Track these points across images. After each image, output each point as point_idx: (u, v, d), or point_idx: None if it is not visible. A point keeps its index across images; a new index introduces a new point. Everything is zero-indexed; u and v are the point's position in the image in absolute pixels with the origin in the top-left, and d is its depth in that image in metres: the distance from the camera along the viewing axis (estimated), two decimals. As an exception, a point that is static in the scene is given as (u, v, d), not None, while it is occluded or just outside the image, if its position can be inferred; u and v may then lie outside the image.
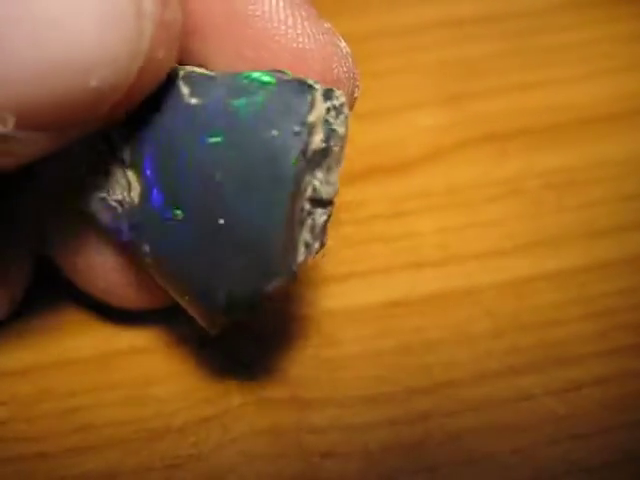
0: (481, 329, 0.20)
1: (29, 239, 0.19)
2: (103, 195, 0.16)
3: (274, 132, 0.14)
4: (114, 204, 0.16)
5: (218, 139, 0.15)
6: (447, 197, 0.23)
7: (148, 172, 0.15)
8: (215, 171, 0.15)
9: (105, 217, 0.16)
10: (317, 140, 0.14)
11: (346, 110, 0.15)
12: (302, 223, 0.15)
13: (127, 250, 0.17)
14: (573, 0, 0.27)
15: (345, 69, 0.16)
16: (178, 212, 0.15)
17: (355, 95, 0.17)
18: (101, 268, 0.18)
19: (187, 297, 0.16)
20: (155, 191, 0.15)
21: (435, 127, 0.24)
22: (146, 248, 0.16)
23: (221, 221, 0.15)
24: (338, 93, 0.15)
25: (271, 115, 0.14)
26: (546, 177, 0.23)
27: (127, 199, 0.16)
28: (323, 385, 0.19)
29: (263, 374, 0.19)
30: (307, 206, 0.15)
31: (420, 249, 0.22)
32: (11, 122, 0.12)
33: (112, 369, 0.20)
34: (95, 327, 0.20)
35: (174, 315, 0.20)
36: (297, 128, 0.14)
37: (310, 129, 0.14)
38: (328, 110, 0.14)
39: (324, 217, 0.15)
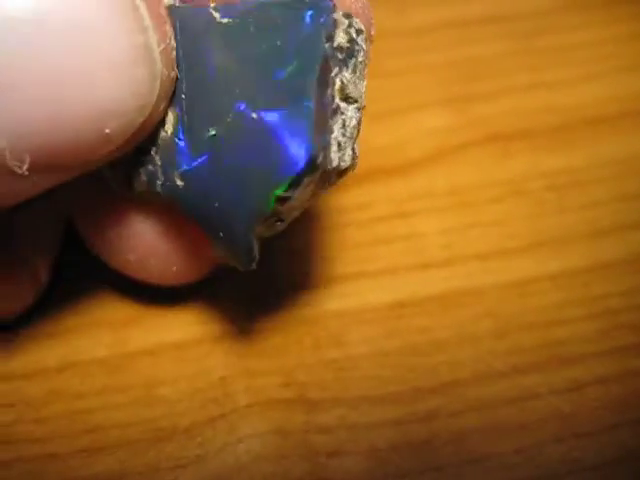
0: (485, 329, 0.20)
1: (58, 214, 0.20)
2: None
3: (306, 18, 0.15)
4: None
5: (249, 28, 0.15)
6: (450, 198, 0.23)
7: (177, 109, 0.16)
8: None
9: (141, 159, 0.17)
10: (341, 37, 0.15)
11: (365, 34, 0.16)
12: (334, 113, 0.15)
13: (161, 197, 0.17)
14: (575, 1, 0.27)
15: (360, 4, 0.17)
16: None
17: (372, 32, 0.17)
18: (135, 238, 0.18)
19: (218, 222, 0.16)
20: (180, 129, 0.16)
21: (438, 128, 0.24)
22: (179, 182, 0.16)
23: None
24: (357, 19, 0.16)
25: (299, 5, 0.15)
26: (549, 178, 0.23)
27: (162, 133, 0.16)
28: (330, 385, 0.20)
29: (269, 375, 0.20)
30: (337, 99, 0.15)
31: (424, 250, 0.22)
32: (26, 165, 0.13)
33: (120, 371, 0.20)
34: (103, 329, 0.21)
35: (181, 317, 0.21)
36: (323, 19, 0.15)
37: (335, 23, 0.15)
38: (349, 25, 0.16)
39: (354, 120, 0.16)
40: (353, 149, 0.16)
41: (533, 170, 0.24)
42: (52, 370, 0.20)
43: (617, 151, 0.24)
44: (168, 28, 0.14)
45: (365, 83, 0.16)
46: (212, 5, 0.16)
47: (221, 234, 0.16)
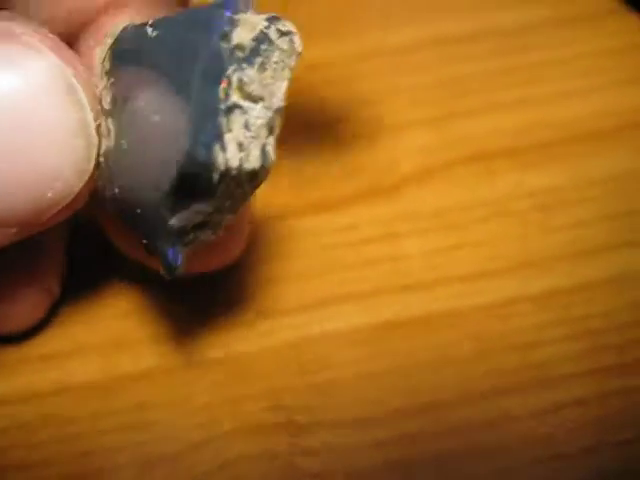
0: (466, 351, 0.21)
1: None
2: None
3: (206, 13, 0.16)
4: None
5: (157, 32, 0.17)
6: (435, 219, 0.23)
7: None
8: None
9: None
10: (245, 35, 0.16)
11: (296, 39, 0.16)
12: (229, 112, 0.15)
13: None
14: (556, 17, 0.27)
15: None
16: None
17: None
18: None
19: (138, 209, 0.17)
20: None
21: (422, 148, 0.25)
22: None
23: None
24: (289, 24, 0.16)
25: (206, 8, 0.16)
26: (534, 197, 0.24)
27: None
28: (315, 409, 0.20)
29: (254, 399, 0.20)
30: (235, 97, 0.16)
31: (409, 271, 0.22)
32: None
33: (111, 395, 0.20)
34: (94, 353, 0.21)
35: (169, 342, 0.21)
36: (222, 21, 0.16)
37: (233, 22, 0.16)
38: (268, 27, 0.16)
39: (261, 120, 0.16)
40: (264, 151, 0.16)
41: (518, 189, 0.24)
42: (44, 394, 0.20)
43: (604, 169, 0.24)
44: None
45: (285, 84, 0.16)
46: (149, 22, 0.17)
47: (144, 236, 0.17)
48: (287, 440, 0.20)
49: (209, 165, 0.15)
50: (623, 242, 0.23)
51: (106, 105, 0.17)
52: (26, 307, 0.20)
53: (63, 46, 0.16)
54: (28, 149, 0.15)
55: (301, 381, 0.20)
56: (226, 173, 0.15)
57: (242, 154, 0.16)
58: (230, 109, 0.15)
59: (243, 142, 0.16)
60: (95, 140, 0.16)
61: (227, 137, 0.15)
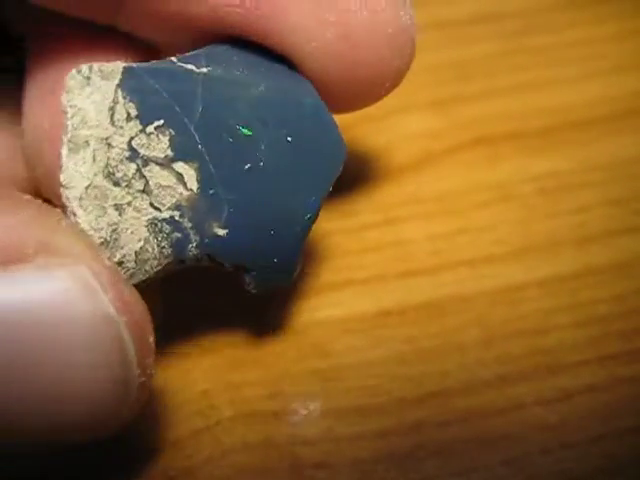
0: (472, 338, 0.20)
1: None
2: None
3: None
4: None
5: None
6: (438, 203, 0.23)
7: None
8: None
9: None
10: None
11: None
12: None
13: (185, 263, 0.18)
14: (559, 2, 0.27)
15: (408, 15, 0.19)
16: None
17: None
18: None
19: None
20: None
21: (425, 132, 0.24)
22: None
23: None
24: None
25: None
26: (538, 182, 0.23)
27: (183, 194, 0.16)
28: (315, 396, 0.19)
29: (253, 386, 0.20)
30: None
31: (412, 257, 0.22)
32: None
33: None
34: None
35: (168, 329, 0.21)
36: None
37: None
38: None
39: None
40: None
41: (522, 174, 0.23)
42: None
43: (608, 154, 0.24)
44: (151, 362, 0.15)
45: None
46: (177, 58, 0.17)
47: (274, 258, 0.18)
48: (287, 429, 0.19)
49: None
50: (628, 227, 0.22)
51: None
52: None
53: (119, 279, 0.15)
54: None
55: (301, 368, 0.20)
56: None
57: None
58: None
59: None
60: (134, 397, 0.15)
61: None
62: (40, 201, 0.15)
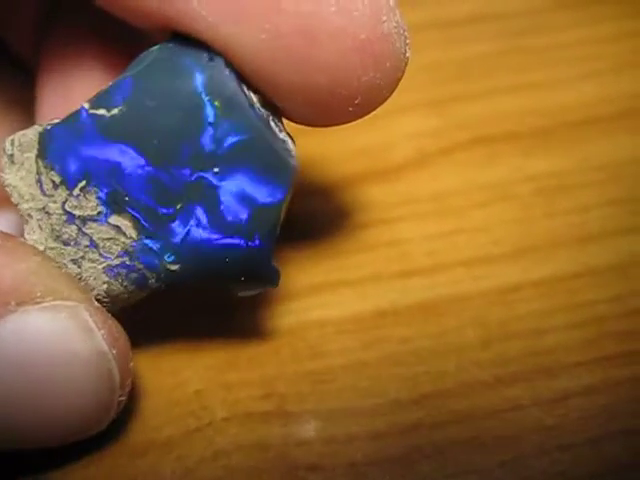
0: (468, 339, 0.20)
1: None
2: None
3: None
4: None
5: None
6: (434, 203, 0.23)
7: None
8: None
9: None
10: None
11: None
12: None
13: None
14: (557, 2, 0.27)
15: (394, 24, 0.16)
16: None
17: (407, 54, 0.17)
18: None
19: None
20: None
21: (422, 131, 0.24)
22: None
23: None
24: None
25: None
26: (535, 182, 0.23)
27: (126, 243, 0.17)
28: (308, 397, 0.19)
29: (247, 387, 0.19)
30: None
31: (407, 257, 0.22)
32: None
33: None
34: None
35: (159, 328, 0.20)
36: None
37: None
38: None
39: None
40: None
41: (519, 174, 0.23)
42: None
43: (606, 154, 0.24)
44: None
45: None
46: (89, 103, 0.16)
47: (241, 277, 0.17)
48: (280, 430, 0.19)
49: None
50: (626, 228, 0.22)
51: None
52: None
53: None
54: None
55: (295, 368, 0.20)
56: None
57: None
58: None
59: None
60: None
61: None
62: (42, 250, 0.17)
